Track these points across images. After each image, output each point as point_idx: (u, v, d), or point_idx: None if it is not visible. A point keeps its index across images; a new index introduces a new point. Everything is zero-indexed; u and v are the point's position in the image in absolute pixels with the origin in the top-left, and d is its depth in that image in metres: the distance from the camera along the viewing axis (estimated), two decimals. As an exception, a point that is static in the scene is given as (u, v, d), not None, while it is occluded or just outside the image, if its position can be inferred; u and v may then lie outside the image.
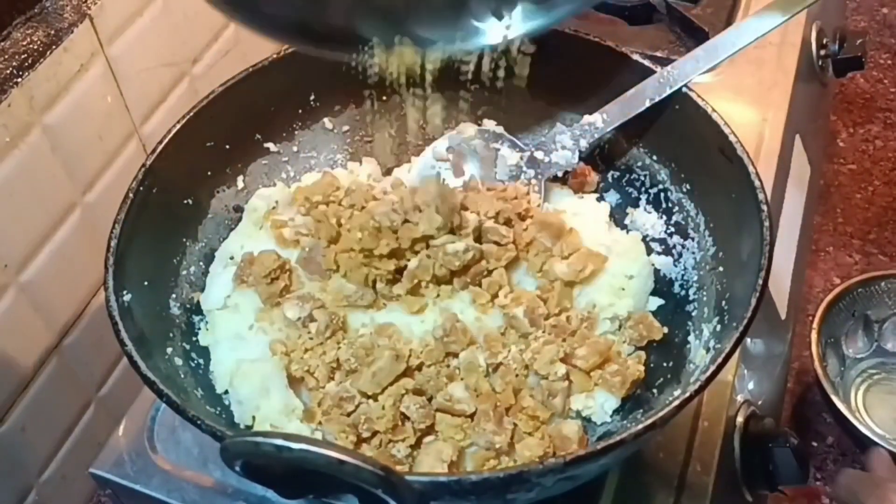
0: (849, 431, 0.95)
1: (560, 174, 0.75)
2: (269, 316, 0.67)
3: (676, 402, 0.52)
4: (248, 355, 0.65)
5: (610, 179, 0.77)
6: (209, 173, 0.73)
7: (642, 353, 0.66)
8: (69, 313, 0.75)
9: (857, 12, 1.50)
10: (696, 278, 0.69)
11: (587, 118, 0.72)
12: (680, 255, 0.71)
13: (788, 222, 0.91)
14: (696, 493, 0.65)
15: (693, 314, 0.67)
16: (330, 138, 0.79)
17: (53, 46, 0.67)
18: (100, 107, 0.73)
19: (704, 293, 0.67)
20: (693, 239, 0.70)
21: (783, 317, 0.87)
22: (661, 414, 0.51)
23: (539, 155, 0.74)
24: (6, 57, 0.65)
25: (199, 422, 0.52)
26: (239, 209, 0.75)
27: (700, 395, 0.66)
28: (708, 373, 0.53)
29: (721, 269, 0.66)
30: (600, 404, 0.63)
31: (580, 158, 0.73)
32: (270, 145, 0.77)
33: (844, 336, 1.06)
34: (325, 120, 0.79)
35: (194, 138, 0.70)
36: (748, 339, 0.76)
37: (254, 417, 0.62)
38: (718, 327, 0.62)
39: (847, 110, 1.36)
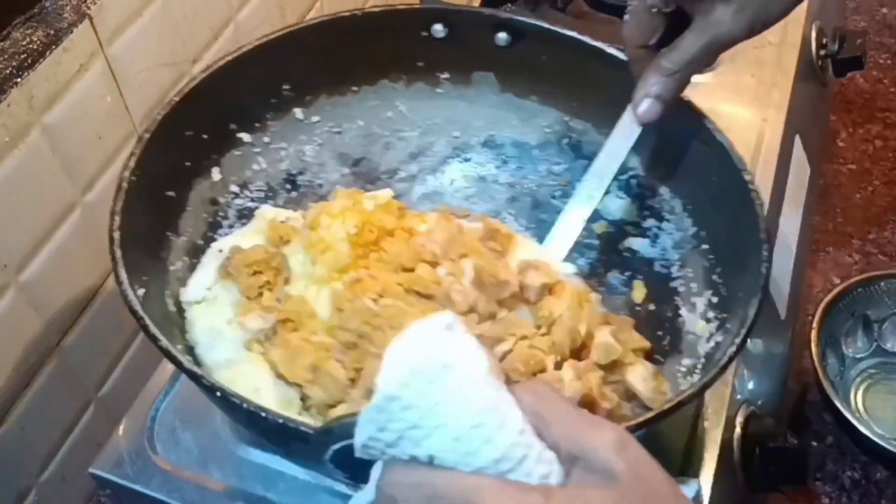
0: (848, 431, 0.94)
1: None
2: (248, 310, 0.64)
3: (668, 407, 0.52)
4: (225, 354, 0.63)
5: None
6: (187, 164, 0.71)
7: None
8: (69, 313, 0.75)
9: (857, 12, 1.50)
10: (677, 257, 0.71)
11: None
12: (656, 236, 0.73)
13: (788, 222, 0.91)
14: (696, 493, 0.65)
15: (680, 290, 0.69)
16: (300, 129, 0.78)
17: (53, 46, 0.67)
18: (100, 107, 0.73)
19: (689, 270, 0.70)
20: (669, 221, 0.73)
21: (783, 317, 0.87)
22: (648, 416, 0.51)
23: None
24: (6, 57, 0.65)
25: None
26: (215, 202, 0.73)
27: (698, 396, 0.66)
28: (702, 383, 0.54)
29: (706, 246, 0.69)
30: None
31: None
32: (244, 135, 0.75)
33: (844, 336, 1.05)
34: (296, 110, 0.78)
35: (177, 126, 0.68)
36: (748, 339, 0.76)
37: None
38: (715, 299, 0.65)
39: (847, 110, 1.35)
